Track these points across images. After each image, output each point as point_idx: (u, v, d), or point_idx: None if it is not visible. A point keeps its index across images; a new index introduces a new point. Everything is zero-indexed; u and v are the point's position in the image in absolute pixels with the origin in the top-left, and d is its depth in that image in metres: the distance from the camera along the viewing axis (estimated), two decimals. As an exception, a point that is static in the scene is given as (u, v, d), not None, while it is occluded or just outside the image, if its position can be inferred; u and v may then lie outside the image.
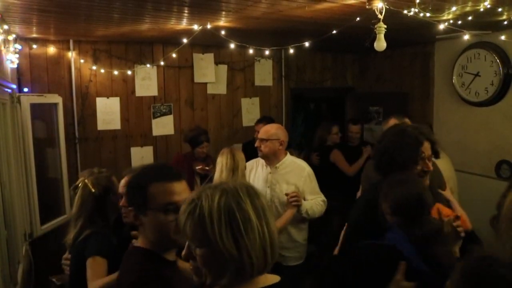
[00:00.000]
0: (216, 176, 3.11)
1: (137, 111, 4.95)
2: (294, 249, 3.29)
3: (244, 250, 1.15)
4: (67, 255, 2.44)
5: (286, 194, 3.11)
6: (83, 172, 2.59)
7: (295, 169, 3.33)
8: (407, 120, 4.19)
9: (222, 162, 3.11)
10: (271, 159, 3.33)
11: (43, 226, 3.88)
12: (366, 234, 1.92)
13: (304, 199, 3.19)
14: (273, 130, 3.36)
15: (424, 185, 2.03)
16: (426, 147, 2.22)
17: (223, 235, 1.14)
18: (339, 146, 5.13)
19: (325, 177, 4.01)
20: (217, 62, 5.34)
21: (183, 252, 1.25)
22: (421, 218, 1.84)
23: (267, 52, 4.78)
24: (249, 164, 3.43)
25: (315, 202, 3.25)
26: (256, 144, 3.35)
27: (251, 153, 3.58)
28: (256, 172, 3.42)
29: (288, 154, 3.41)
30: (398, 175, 2.05)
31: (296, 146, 6.63)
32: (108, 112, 4.78)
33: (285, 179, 3.28)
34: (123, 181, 2.34)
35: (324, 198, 3.35)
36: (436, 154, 2.27)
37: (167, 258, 1.59)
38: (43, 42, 4.41)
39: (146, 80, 4.95)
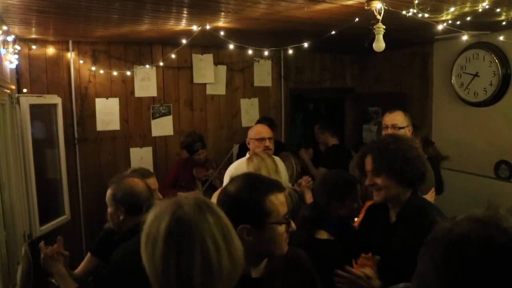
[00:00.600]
0: None
1: (136, 111, 4.95)
2: None
3: (147, 270, 1.11)
4: None
5: (300, 183, 3.22)
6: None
7: (280, 164, 3.43)
8: None
9: (266, 166, 2.87)
10: None
11: (43, 227, 3.87)
12: None
13: None
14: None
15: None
16: (366, 161, 2.14)
17: (142, 246, 1.13)
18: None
19: None
20: (216, 63, 5.34)
21: None
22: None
23: (266, 53, 4.78)
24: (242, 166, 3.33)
25: None
26: (267, 144, 3.34)
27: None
28: None
29: None
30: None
31: (295, 147, 6.64)
32: (107, 113, 4.78)
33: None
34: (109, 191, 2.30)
35: None
36: (377, 171, 2.07)
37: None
38: (42, 43, 4.41)
39: (145, 81, 4.95)
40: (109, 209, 2.27)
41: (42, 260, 2.25)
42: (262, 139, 3.37)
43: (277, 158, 3.48)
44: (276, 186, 1.56)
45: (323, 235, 2.32)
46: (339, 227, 2.34)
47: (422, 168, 2.06)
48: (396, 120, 3.13)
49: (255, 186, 1.55)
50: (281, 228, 1.51)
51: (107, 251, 2.04)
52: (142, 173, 2.72)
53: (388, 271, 1.88)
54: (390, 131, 3.11)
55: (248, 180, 1.59)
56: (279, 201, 1.52)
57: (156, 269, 1.08)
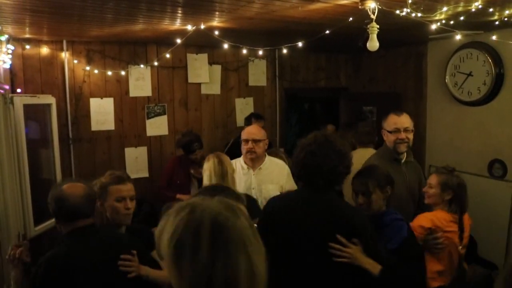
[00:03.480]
0: (206, 183, 2.91)
1: (131, 111, 4.95)
2: None
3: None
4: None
5: None
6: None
7: (277, 169, 3.35)
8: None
9: (210, 168, 2.89)
10: (258, 160, 3.33)
11: (37, 227, 3.85)
12: None
13: None
14: (263, 131, 3.38)
15: None
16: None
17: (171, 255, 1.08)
18: None
19: None
20: (211, 63, 5.35)
21: None
22: None
23: (260, 52, 4.78)
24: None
25: None
26: (249, 146, 3.25)
27: (237, 152, 3.53)
28: (237, 175, 3.25)
29: (266, 154, 3.42)
30: None
31: (291, 147, 6.65)
32: (102, 113, 4.77)
33: (270, 179, 3.28)
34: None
35: None
36: None
37: None
38: (36, 42, 4.40)
39: (140, 81, 4.95)
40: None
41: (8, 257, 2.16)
42: (246, 141, 3.30)
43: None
44: None
45: None
46: None
47: None
48: (408, 123, 3.11)
49: None
50: None
51: None
52: (118, 177, 2.50)
53: None
54: (403, 134, 3.09)
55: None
56: None
57: (200, 274, 1.02)
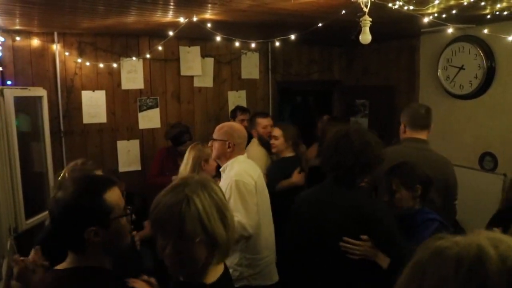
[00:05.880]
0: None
1: (123, 104, 4.92)
2: None
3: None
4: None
5: None
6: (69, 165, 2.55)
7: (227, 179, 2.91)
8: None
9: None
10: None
11: (28, 220, 3.83)
12: None
13: None
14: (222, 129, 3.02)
15: None
16: None
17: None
18: None
19: None
20: (203, 55, 5.32)
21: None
22: None
23: (253, 45, 4.77)
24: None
25: None
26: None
27: None
28: None
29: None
30: None
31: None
32: (94, 106, 4.74)
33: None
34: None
35: None
36: None
37: None
38: (27, 34, 4.35)
39: (132, 73, 4.92)
40: None
41: (18, 274, 1.87)
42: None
43: None
44: (109, 181, 1.61)
45: None
46: None
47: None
48: None
49: (90, 187, 1.56)
50: (124, 220, 1.59)
51: None
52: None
53: None
54: None
55: (80, 183, 1.58)
56: (115, 195, 1.57)
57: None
